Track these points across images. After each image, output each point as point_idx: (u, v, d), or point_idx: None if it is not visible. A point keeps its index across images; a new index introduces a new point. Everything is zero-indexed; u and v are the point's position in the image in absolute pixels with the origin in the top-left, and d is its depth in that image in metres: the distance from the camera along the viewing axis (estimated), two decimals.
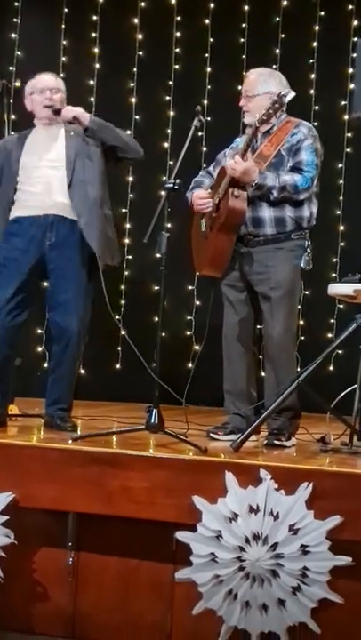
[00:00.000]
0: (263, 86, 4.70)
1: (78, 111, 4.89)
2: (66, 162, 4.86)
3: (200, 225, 4.78)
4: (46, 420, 4.91)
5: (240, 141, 4.80)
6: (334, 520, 3.57)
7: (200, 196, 4.80)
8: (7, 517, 3.88)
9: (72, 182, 4.82)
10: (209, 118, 7.03)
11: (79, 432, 4.66)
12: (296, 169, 4.63)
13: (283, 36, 7.43)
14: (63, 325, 4.83)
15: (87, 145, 4.89)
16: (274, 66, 7.37)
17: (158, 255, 4.40)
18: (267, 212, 4.65)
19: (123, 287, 7.42)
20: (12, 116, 6.93)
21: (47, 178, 4.86)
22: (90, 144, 4.89)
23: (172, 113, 7.42)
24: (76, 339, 4.85)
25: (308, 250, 4.69)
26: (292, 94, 4.62)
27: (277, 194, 4.58)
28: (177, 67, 7.49)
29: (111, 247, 4.93)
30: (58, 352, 4.89)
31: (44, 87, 4.96)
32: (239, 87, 4.83)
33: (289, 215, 4.65)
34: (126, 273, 7.41)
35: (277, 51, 7.39)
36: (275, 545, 3.59)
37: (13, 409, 5.26)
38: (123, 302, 7.44)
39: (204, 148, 7.09)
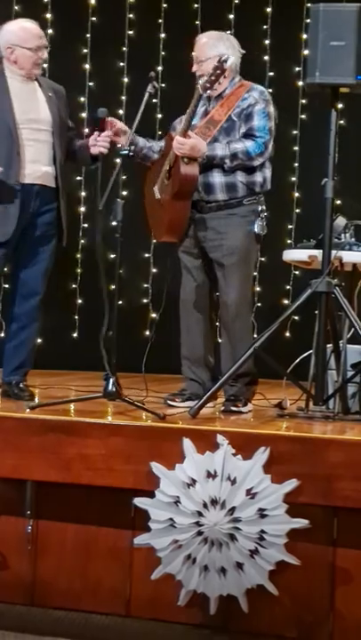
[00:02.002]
0: (213, 50, 4.66)
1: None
2: (53, 129, 4.80)
3: (153, 193, 4.76)
4: (3, 390, 4.89)
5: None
6: (291, 484, 3.61)
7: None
8: None
9: (55, 154, 4.80)
10: (163, 85, 6.99)
11: (37, 401, 4.65)
12: (248, 135, 4.62)
13: (237, 1, 7.39)
14: (33, 286, 4.83)
15: (61, 113, 4.87)
16: (228, 32, 7.32)
17: (114, 223, 4.39)
18: (217, 178, 4.64)
19: (79, 255, 7.38)
20: None
21: (35, 143, 4.78)
22: (62, 113, 4.86)
23: (126, 79, 7.36)
24: (40, 302, 4.87)
25: (261, 215, 4.69)
26: (232, 59, 4.63)
27: (230, 162, 4.57)
28: (131, 32, 7.42)
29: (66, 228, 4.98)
30: (23, 313, 4.87)
31: (40, 45, 4.79)
32: (193, 53, 4.79)
33: (240, 180, 4.65)
34: (82, 241, 7.37)
35: (231, 16, 7.35)
36: (232, 509, 3.62)
37: None
38: (79, 270, 7.40)
39: (159, 115, 7.05)
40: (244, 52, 4.81)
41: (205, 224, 4.69)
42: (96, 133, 4.70)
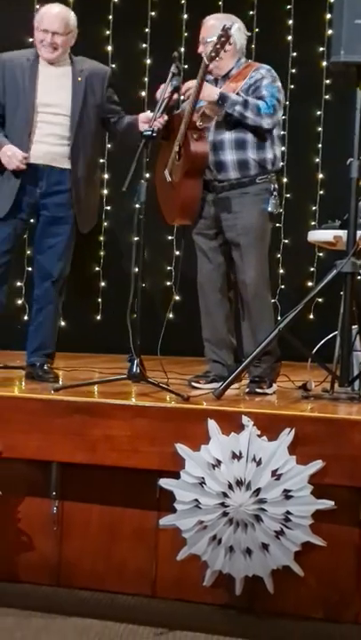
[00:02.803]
0: (219, 31, 4.63)
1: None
2: (72, 113, 4.82)
3: (164, 176, 4.72)
4: (27, 372, 4.91)
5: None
6: (316, 465, 3.60)
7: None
8: None
9: (71, 136, 4.81)
10: (186, 66, 6.95)
11: (61, 383, 4.66)
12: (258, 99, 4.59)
13: None
14: (47, 268, 4.87)
15: (92, 96, 4.88)
16: (251, 12, 7.30)
17: (137, 205, 4.38)
18: (229, 156, 4.62)
19: (102, 238, 7.38)
20: None
21: (45, 124, 4.81)
22: (94, 96, 4.88)
23: (148, 61, 7.34)
24: (60, 282, 4.91)
25: (274, 193, 4.68)
26: (236, 25, 4.62)
27: (241, 108, 4.52)
28: (153, 14, 7.39)
29: (87, 216, 4.98)
30: (41, 295, 4.92)
31: (47, 28, 4.78)
32: (200, 35, 4.76)
33: (252, 157, 4.62)
34: (105, 224, 7.37)
35: None
36: (258, 490, 3.62)
37: None
38: (102, 253, 7.40)
39: (182, 96, 6.99)
40: (249, 34, 4.81)
41: (218, 204, 4.68)
42: (148, 113, 4.79)
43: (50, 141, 4.82)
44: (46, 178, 4.83)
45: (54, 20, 4.79)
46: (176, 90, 4.57)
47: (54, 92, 4.84)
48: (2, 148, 4.76)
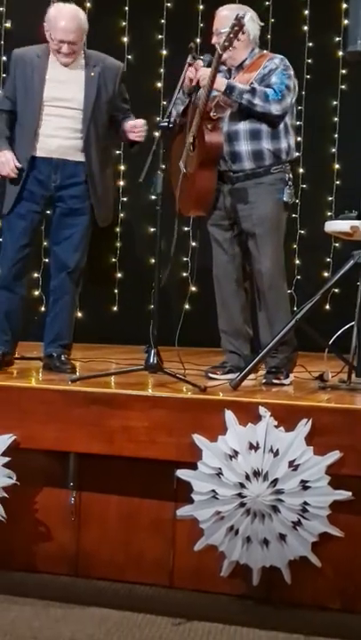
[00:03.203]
0: (232, 21, 4.61)
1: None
2: (85, 107, 4.82)
3: (179, 168, 4.70)
4: (45, 363, 4.92)
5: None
6: (334, 455, 3.60)
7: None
8: (9, 459, 3.90)
9: (84, 130, 4.81)
10: (202, 57, 6.93)
11: (78, 374, 4.68)
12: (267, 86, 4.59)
13: None
14: (63, 260, 4.88)
15: (104, 91, 4.88)
16: (267, 2, 7.28)
17: (154, 197, 4.38)
18: (244, 146, 4.62)
19: (118, 229, 7.39)
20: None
21: (56, 118, 4.81)
22: (106, 91, 4.88)
23: (164, 52, 7.33)
24: (76, 273, 4.92)
25: (289, 183, 4.68)
26: (249, 15, 4.62)
27: (249, 96, 4.50)
28: (169, 5, 7.38)
29: (105, 208, 4.99)
30: (57, 286, 4.93)
31: (64, 39, 4.75)
32: (214, 27, 4.74)
33: (266, 147, 4.62)
34: (121, 215, 7.37)
35: None
36: (275, 481, 3.62)
37: None
38: (118, 244, 7.41)
39: (194, 84, 6.98)
40: (262, 24, 4.81)
41: (234, 195, 4.68)
42: (135, 121, 4.86)
43: (62, 135, 4.81)
44: (60, 171, 4.83)
45: (69, 30, 4.73)
46: (190, 65, 4.57)
47: (66, 86, 4.83)
48: None
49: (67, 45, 4.76)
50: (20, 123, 4.86)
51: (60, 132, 4.81)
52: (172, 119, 4.47)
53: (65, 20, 4.75)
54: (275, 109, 4.55)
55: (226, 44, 4.42)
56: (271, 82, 4.58)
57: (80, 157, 4.85)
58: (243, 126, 4.62)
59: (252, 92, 4.52)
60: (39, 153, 4.81)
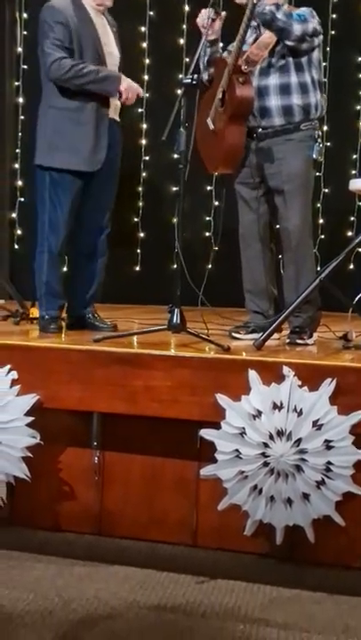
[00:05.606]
0: None
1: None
2: (120, 64, 4.81)
3: (207, 124, 4.64)
4: (72, 322, 4.89)
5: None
6: (358, 415, 3.59)
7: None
8: (32, 418, 3.91)
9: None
10: (224, 12, 6.85)
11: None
12: None
13: None
14: (101, 220, 4.86)
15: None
16: None
17: (176, 156, 4.35)
18: (274, 101, 4.56)
19: (140, 189, 7.35)
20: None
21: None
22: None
23: (187, 8, 7.23)
24: (109, 233, 4.91)
25: (318, 140, 4.63)
26: None
27: (274, 8, 4.43)
28: None
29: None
30: (94, 246, 4.88)
31: None
32: None
33: (296, 103, 4.55)
34: (143, 174, 7.33)
35: None
36: (299, 440, 3.62)
37: (34, 312, 5.24)
38: (140, 204, 7.38)
39: (221, 43, 6.90)
40: None
41: (262, 151, 4.63)
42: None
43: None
44: (110, 130, 4.77)
45: None
46: (217, 14, 4.51)
47: (110, 42, 4.79)
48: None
49: None
50: None
51: None
52: (195, 76, 4.40)
53: None
54: (295, 29, 4.44)
55: None
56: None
57: (117, 117, 4.83)
58: (273, 81, 4.56)
59: (277, 6, 4.45)
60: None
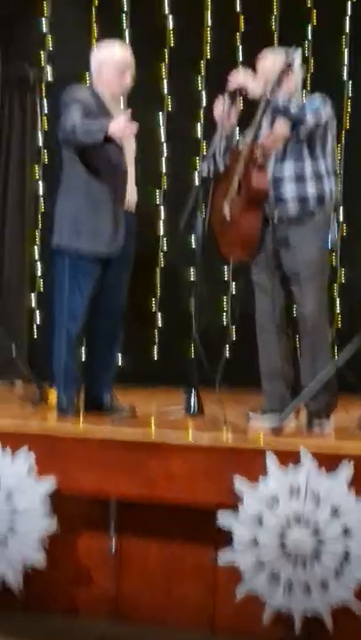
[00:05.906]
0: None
1: None
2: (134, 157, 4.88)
3: (223, 213, 4.69)
4: (90, 404, 4.85)
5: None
6: None
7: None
8: (49, 504, 3.91)
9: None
10: (240, 102, 6.97)
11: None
12: None
13: None
14: (117, 303, 4.88)
15: None
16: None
17: (194, 245, 4.40)
18: (289, 190, 4.62)
19: (158, 275, 7.41)
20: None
21: (131, 170, 4.83)
22: None
23: (204, 96, 7.32)
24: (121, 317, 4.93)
25: (332, 226, 4.69)
26: (298, 52, 4.63)
27: (286, 102, 4.49)
28: (209, 57, 7.39)
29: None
30: (109, 331, 4.89)
31: (126, 68, 4.75)
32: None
33: (311, 192, 4.62)
34: (162, 263, 7.41)
35: None
36: (316, 526, 3.59)
37: (51, 394, 5.23)
38: (158, 290, 7.42)
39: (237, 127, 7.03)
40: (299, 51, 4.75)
41: (278, 238, 4.68)
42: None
43: (131, 182, 4.83)
44: (125, 219, 4.81)
45: (129, 56, 4.81)
46: (233, 97, 4.60)
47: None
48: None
49: (129, 73, 4.78)
50: (96, 168, 4.71)
51: (131, 179, 4.83)
52: (212, 168, 4.49)
53: (120, 49, 4.85)
54: (308, 118, 4.53)
55: (274, 87, 4.46)
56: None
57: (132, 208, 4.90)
58: (288, 170, 4.63)
59: (289, 101, 4.54)
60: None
